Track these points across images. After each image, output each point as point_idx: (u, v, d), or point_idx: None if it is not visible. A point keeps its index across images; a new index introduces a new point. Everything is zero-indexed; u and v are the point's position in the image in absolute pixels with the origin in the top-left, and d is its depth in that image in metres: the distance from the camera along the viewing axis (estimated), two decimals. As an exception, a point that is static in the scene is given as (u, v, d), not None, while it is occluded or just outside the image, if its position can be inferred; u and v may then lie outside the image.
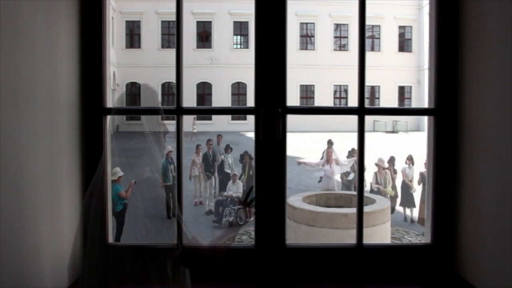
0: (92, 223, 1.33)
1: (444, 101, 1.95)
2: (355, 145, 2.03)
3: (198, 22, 32.04)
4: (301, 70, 29.96)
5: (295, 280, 1.94)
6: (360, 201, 2.00)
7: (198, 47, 32.26)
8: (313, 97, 32.94)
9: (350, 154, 10.94)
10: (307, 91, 32.84)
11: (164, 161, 10.03)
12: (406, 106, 31.58)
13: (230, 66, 31.55)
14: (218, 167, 11.61)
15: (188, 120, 25.47)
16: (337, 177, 10.20)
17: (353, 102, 28.52)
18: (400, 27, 33.65)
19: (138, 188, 1.43)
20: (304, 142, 20.80)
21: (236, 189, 10.38)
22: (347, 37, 33.03)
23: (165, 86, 30.77)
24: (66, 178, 1.81)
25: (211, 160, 11.53)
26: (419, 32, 32.45)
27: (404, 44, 34.07)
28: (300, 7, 31.87)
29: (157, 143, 1.40)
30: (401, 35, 33.98)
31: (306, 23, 32.99)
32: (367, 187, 10.32)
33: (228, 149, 12.07)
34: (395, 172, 10.51)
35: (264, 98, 1.91)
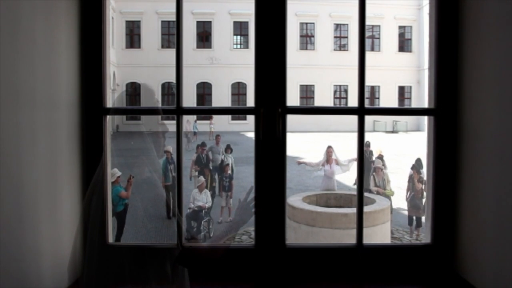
0: (92, 223, 1.33)
1: (444, 101, 1.95)
2: (355, 145, 2.02)
3: (198, 22, 32.05)
4: (301, 70, 29.98)
5: (295, 280, 1.94)
6: (360, 201, 2.00)
7: (198, 47, 32.27)
8: (313, 97, 32.96)
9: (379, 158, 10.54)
10: (307, 91, 32.85)
11: (164, 161, 9.96)
12: (406, 106, 31.59)
13: (230, 66, 31.55)
14: (218, 167, 11.47)
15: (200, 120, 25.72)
16: (338, 177, 10.19)
17: (353, 102, 28.53)
18: (400, 27, 33.67)
19: (138, 188, 1.43)
20: (304, 142, 20.82)
21: (205, 199, 9.44)
22: (347, 37, 33.04)
23: (165, 86, 30.78)
24: (66, 178, 1.81)
25: (204, 162, 11.30)
26: (419, 32, 32.47)
27: (404, 44, 34.08)
28: (300, 7, 31.87)
29: (155, 143, 1.40)
30: (401, 35, 33.99)
31: (306, 23, 33.00)
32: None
33: (228, 149, 11.85)
34: (420, 180, 9.23)
35: (264, 98, 1.91)
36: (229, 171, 10.78)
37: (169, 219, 9.79)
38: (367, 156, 11.23)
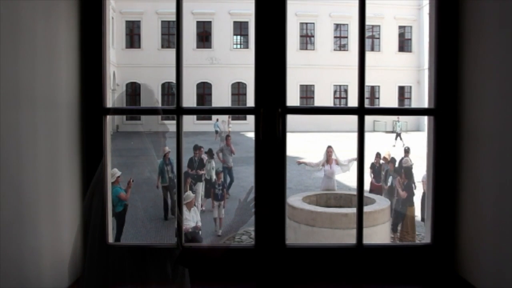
0: (93, 223, 1.33)
1: (444, 101, 1.95)
2: (355, 145, 2.02)
3: (198, 22, 32.06)
4: (301, 70, 29.99)
5: (295, 280, 1.94)
6: (360, 201, 2.00)
7: (198, 47, 32.28)
8: (313, 97, 32.97)
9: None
10: (307, 91, 32.86)
11: (161, 162, 9.77)
12: (406, 106, 31.59)
13: (230, 66, 31.57)
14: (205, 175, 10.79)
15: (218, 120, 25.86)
16: (338, 177, 10.18)
17: (353, 102, 28.54)
18: (400, 27, 33.69)
19: (138, 188, 1.43)
20: (304, 142, 20.83)
21: (195, 217, 8.31)
22: (347, 37, 33.06)
23: (165, 86, 30.81)
24: (66, 178, 1.81)
25: (196, 166, 10.75)
26: (419, 32, 32.48)
27: (404, 44, 34.10)
28: (300, 7, 31.89)
29: (155, 143, 1.41)
30: (401, 35, 34.01)
31: (306, 23, 33.02)
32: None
33: (207, 153, 10.99)
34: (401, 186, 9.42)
35: (264, 98, 1.91)
36: (222, 179, 10.08)
37: (166, 220, 9.74)
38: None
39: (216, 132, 23.94)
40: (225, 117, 26.25)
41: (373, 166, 10.87)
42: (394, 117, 30.63)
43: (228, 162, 12.26)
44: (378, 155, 11.13)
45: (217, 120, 25.52)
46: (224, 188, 9.96)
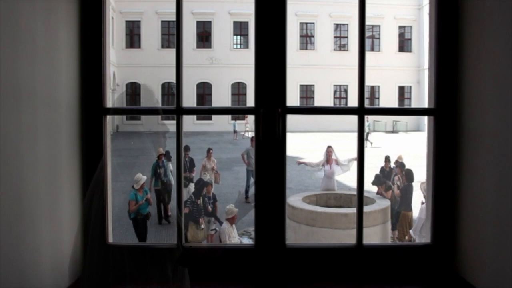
0: (93, 223, 1.33)
1: (444, 101, 1.95)
2: (355, 145, 2.02)
3: (198, 22, 32.09)
4: (301, 70, 30.00)
5: (295, 280, 1.94)
6: (360, 201, 2.00)
7: (198, 47, 32.30)
8: (313, 97, 32.99)
9: None
10: (307, 91, 32.88)
11: (153, 165, 9.54)
12: (406, 106, 31.61)
13: (230, 66, 31.59)
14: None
15: (223, 119, 25.93)
16: (338, 177, 10.16)
17: (353, 102, 28.56)
18: (400, 27, 33.71)
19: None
20: (304, 142, 20.84)
21: (237, 233, 7.33)
22: (347, 37, 33.07)
23: (165, 86, 30.83)
24: (66, 178, 1.81)
25: (187, 168, 10.42)
26: (419, 32, 32.50)
27: (404, 44, 34.11)
28: (300, 7, 31.90)
29: (156, 143, 1.41)
30: (401, 35, 34.02)
31: (306, 23, 33.03)
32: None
33: (186, 152, 10.26)
34: (387, 189, 9.16)
35: (264, 98, 1.91)
36: (212, 191, 9.02)
37: (160, 224, 9.57)
38: None
39: (234, 132, 24.06)
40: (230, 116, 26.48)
41: (382, 171, 10.22)
42: (394, 117, 30.71)
43: (253, 166, 12.09)
44: (387, 159, 10.52)
45: (235, 119, 25.64)
46: (216, 201, 8.97)
